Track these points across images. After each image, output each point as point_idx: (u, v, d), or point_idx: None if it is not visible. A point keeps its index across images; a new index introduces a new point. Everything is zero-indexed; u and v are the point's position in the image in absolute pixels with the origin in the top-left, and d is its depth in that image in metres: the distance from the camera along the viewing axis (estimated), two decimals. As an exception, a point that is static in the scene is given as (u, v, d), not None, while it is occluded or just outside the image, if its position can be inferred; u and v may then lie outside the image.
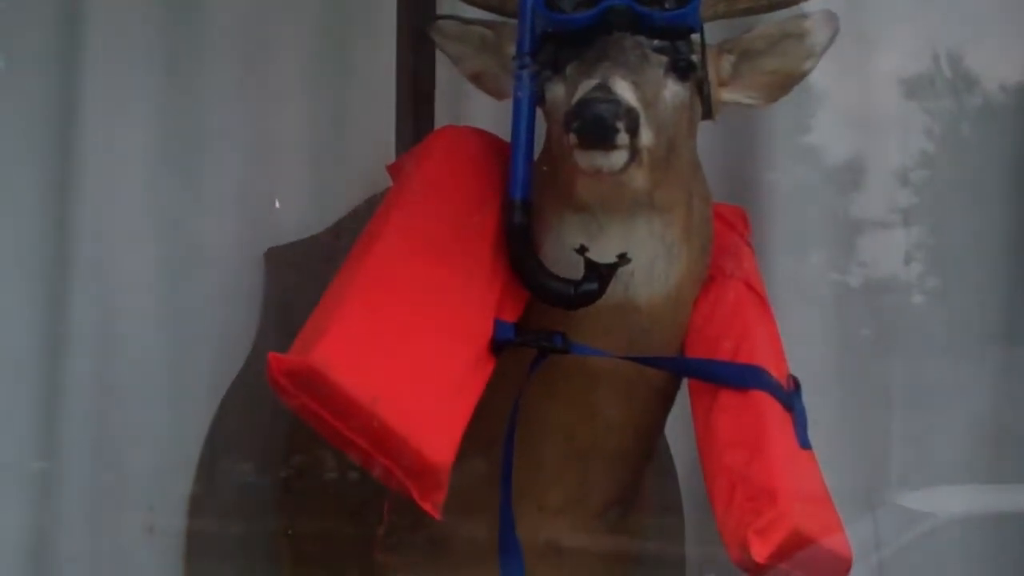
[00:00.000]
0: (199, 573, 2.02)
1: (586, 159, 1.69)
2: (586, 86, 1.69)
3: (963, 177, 2.46)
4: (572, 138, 1.68)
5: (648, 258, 1.81)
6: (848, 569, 1.82)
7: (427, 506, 1.71)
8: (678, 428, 1.99)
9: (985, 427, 2.41)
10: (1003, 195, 2.42)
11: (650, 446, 1.96)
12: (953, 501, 2.45)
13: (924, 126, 2.50)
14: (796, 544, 1.76)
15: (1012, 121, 2.43)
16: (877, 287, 2.48)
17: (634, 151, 1.70)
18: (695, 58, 1.78)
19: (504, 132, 1.83)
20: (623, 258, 1.77)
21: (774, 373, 1.86)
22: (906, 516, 2.42)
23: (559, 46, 1.78)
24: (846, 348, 2.39)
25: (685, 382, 1.89)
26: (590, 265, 1.77)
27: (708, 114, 1.84)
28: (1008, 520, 2.44)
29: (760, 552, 1.74)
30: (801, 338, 2.04)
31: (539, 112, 1.81)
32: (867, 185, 2.48)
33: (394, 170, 1.94)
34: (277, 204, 2.17)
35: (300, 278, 2.06)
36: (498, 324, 1.78)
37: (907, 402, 2.42)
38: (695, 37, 1.79)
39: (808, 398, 1.90)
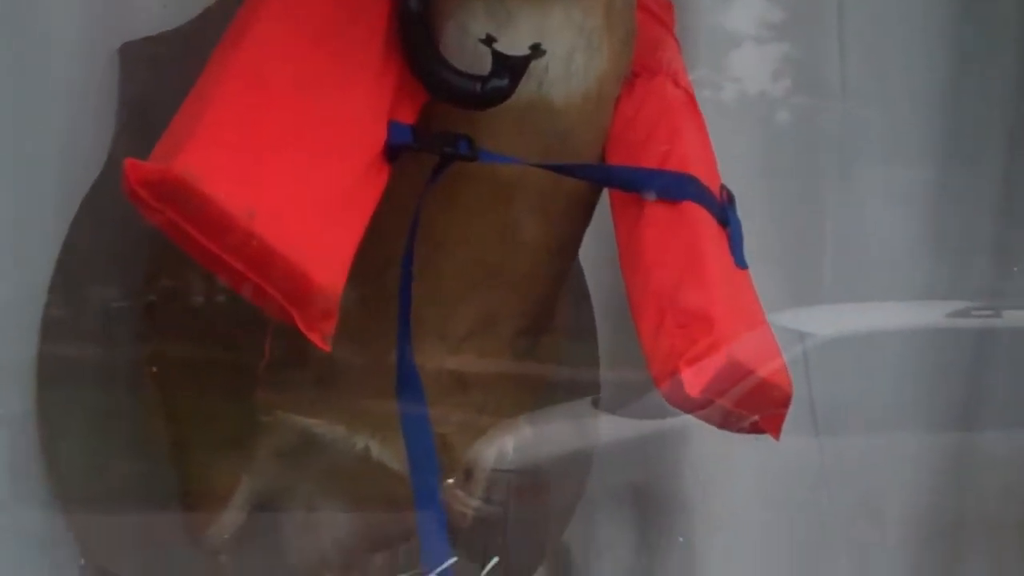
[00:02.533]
0: (53, 406, 1.82)
1: None
2: None
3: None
4: None
5: (565, 50, 1.61)
6: (788, 402, 1.68)
7: (314, 337, 1.53)
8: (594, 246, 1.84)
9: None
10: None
11: (565, 267, 1.79)
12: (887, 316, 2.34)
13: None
14: (733, 375, 1.61)
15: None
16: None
17: None
18: None
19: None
20: (536, 50, 1.58)
21: (707, 183, 1.69)
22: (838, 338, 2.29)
23: None
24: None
25: (606, 193, 1.72)
26: (498, 58, 1.57)
27: None
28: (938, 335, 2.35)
29: (693, 384, 1.59)
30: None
31: None
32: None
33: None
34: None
35: (160, 76, 1.83)
36: (392, 126, 1.58)
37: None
38: None
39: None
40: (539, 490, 1.96)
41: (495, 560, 1.88)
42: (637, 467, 2.11)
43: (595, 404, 2.01)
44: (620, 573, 2.10)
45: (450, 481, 1.83)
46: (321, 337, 1.53)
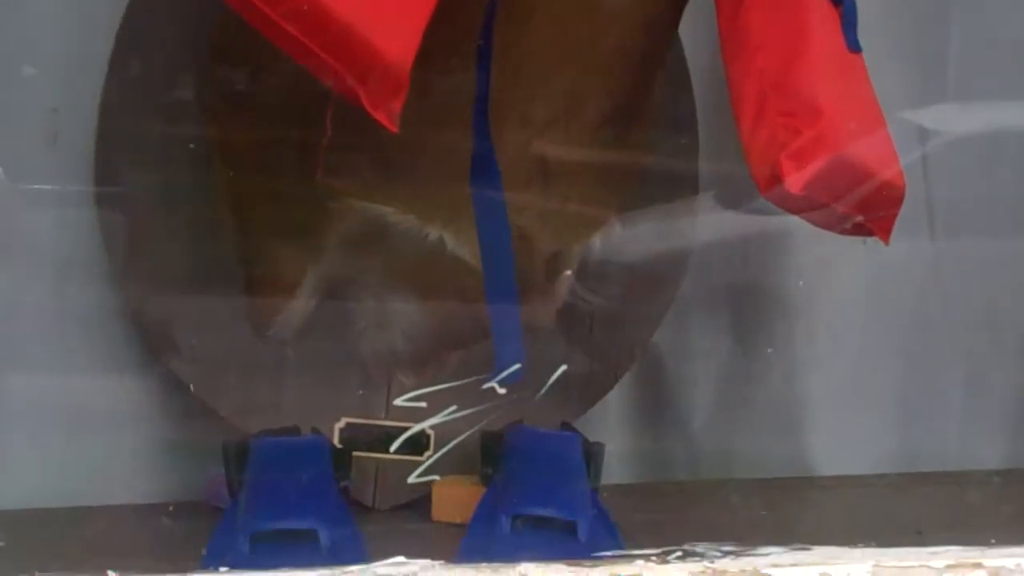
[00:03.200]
0: (111, 182, 1.73)
1: None
2: None
3: None
4: None
5: None
6: (900, 202, 1.54)
7: (381, 116, 1.41)
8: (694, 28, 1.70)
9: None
10: None
11: (660, 46, 1.64)
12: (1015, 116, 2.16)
13: None
14: (840, 170, 1.47)
15: None
16: None
17: None
18: None
19: None
20: None
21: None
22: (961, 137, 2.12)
23: None
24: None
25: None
26: None
27: None
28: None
29: (795, 179, 1.46)
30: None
31: None
32: None
33: None
34: None
35: None
36: None
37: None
38: None
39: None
40: (629, 289, 1.84)
41: (563, 368, 1.77)
42: (735, 269, 1.98)
43: (693, 200, 1.88)
44: (712, 379, 1.99)
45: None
46: (388, 116, 1.41)
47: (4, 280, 1.70)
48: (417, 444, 1.78)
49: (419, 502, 1.77)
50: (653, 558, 1.22)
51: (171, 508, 1.72)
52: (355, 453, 1.74)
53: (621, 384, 1.87)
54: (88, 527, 1.67)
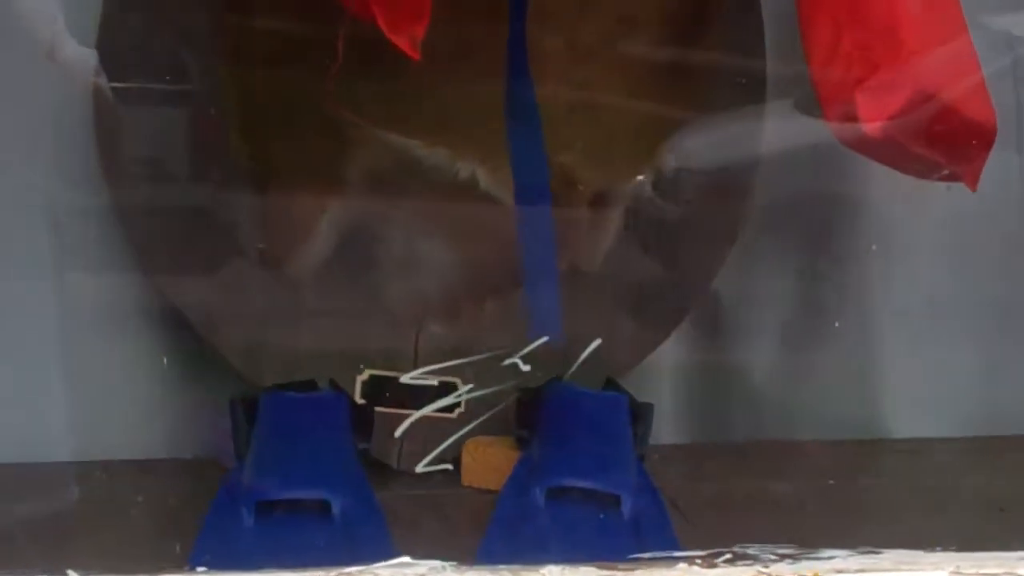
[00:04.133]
0: (113, 103, 1.58)
1: None
2: None
3: None
4: None
5: None
6: (990, 145, 1.38)
7: (401, 41, 1.27)
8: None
9: None
10: None
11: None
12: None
13: None
14: (923, 110, 1.31)
15: None
16: None
17: None
18: None
19: None
20: None
21: None
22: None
23: None
24: None
25: None
26: None
27: None
28: None
29: (872, 118, 1.30)
30: None
31: None
32: None
33: None
34: None
35: None
36: None
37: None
38: None
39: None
40: (685, 229, 1.68)
41: (597, 342, 1.61)
42: (804, 209, 1.81)
43: (759, 130, 1.70)
44: (776, 330, 1.82)
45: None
46: (410, 42, 1.27)
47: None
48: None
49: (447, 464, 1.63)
50: (698, 561, 1.08)
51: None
52: (378, 409, 1.59)
53: (674, 336, 1.71)
54: (82, 485, 1.55)
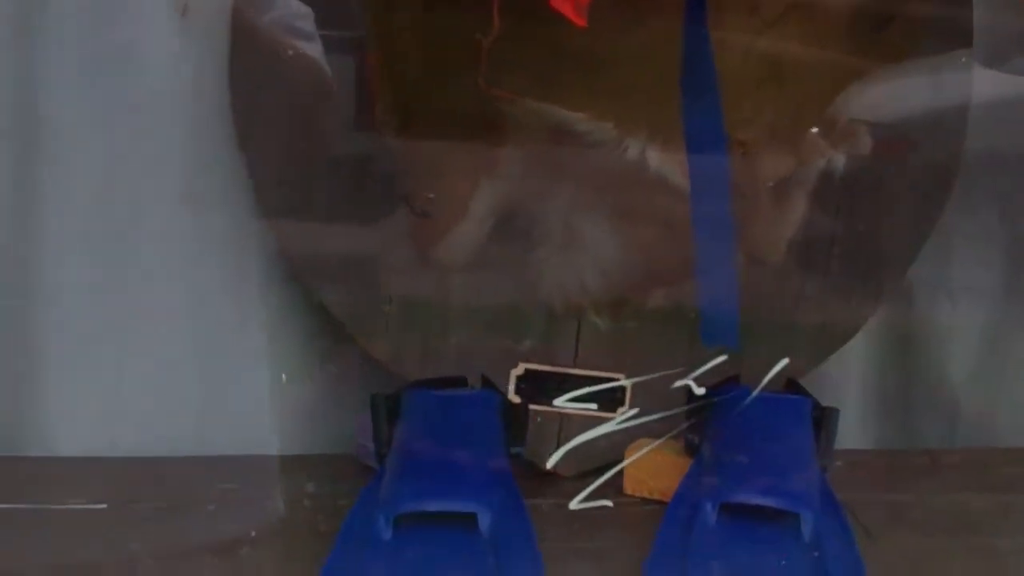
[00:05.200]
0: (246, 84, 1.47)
1: None
2: None
3: None
4: None
5: None
6: None
7: (565, 7, 1.15)
8: None
9: None
10: None
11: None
12: None
13: None
14: None
15: None
16: None
17: None
18: None
19: None
20: None
21: None
22: None
23: None
24: None
25: None
26: None
27: None
28: None
29: None
30: None
31: None
32: None
33: None
34: None
35: None
36: None
37: None
38: None
39: None
40: (881, 212, 1.53)
41: (784, 362, 1.45)
42: (1012, 191, 1.64)
43: (967, 105, 1.53)
44: (979, 325, 1.66)
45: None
46: (574, 6, 1.14)
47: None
48: (611, 399, 1.50)
49: (608, 469, 1.49)
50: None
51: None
52: (533, 407, 1.47)
53: (864, 331, 1.56)
54: (221, 478, 1.46)
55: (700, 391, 1.36)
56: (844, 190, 1.49)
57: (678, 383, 1.37)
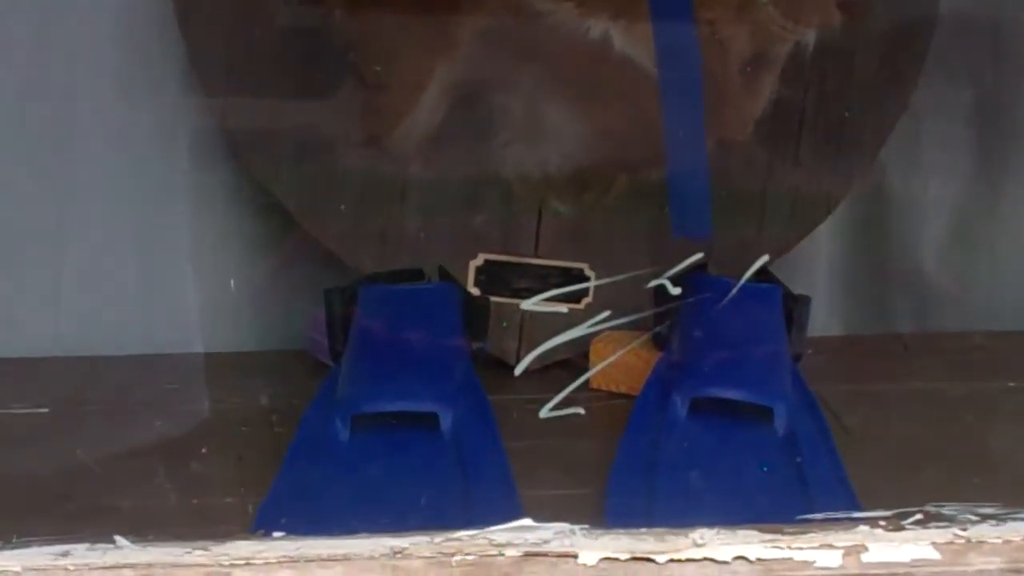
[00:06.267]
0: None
1: None
2: None
3: None
4: None
5: None
6: None
7: None
8: None
9: None
10: None
11: None
12: None
13: None
14: None
15: None
16: None
17: None
18: None
19: None
20: None
21: None
22: None
23: None
24: None
25: None
26: None
27: None
28: None
29: None
30: None
31: None
32: None
33: None
34: None
35: None
36: None
37: None
38: None
39: None
40: (852, 92, 1.47)
41: (764, 259, 1.37)
42: (986, 65, 1.59)
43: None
44: (950, 208, 1.62)
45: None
46: None
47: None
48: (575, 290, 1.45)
49: (575, 361, 1.44)
50: (881, 523, 0.90)
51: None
52: (495, 299, 1.42)
53: (834, 215, 1.52)
54: (167, 378, 1.40)
55: (676, 291, 1.31)
56: (813, 69, 1.44)
57: (652, 283, 1.32)
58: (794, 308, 1.37)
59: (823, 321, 1.54)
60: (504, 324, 1.40)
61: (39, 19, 1.44)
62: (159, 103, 1.44)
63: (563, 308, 1.36)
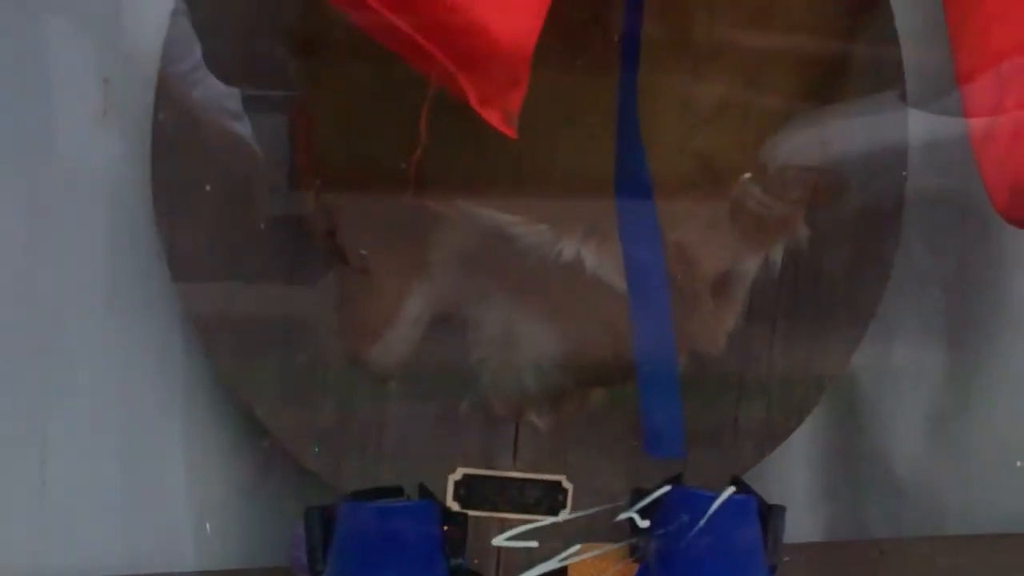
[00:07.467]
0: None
1: None
2: None
3: None
4: None
5: None
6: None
7: (492, 116, 1.14)
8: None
9: None
10: None
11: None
12: None
13: None
14: None
15: None
16: None
17: None
18: None
19: None
20: None
21: None
22: None
23: None
24: None
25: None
26: None
27: None
28: None
29: None
30: None
31: None
32: None
33: None
34: None
35: None
36: None
37: None
38: None
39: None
40: (823, 304, 1.52)
41: (731, 491, 1.42)
42: (951, 279, 1.63)
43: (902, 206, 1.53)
44: (921, 413, 1.65)
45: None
46: (503, 116, 1.13)
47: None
48: (553, 501, 1.48)
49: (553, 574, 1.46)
50: None
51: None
52: (473, 513, 1.45)
53: (806, 424, 1.55)
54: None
55: (644, 524, 1.34)
56: (782, 282, 1.49)
57: (621, 516, 1.35)
58: (769, 518, 1.40)
59: (800, 526, 1.56)
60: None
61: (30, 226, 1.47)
62: (148, 329, 1.47)
63: (533, 543, 1.38)
